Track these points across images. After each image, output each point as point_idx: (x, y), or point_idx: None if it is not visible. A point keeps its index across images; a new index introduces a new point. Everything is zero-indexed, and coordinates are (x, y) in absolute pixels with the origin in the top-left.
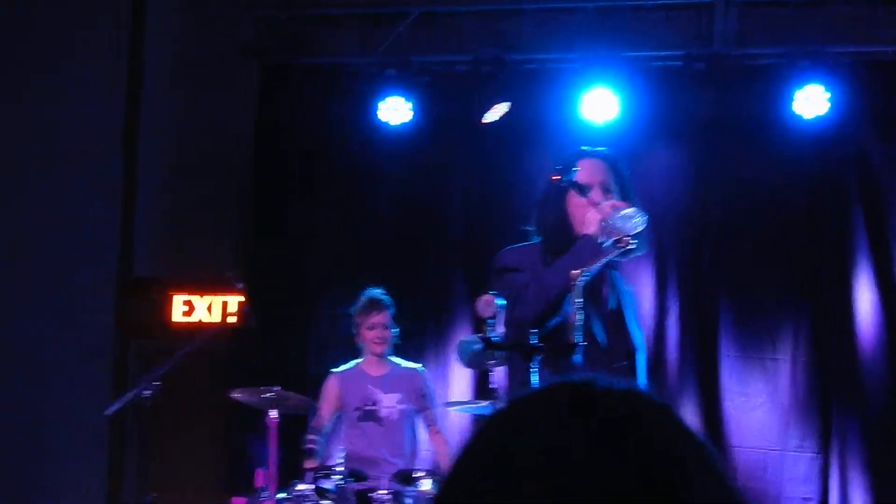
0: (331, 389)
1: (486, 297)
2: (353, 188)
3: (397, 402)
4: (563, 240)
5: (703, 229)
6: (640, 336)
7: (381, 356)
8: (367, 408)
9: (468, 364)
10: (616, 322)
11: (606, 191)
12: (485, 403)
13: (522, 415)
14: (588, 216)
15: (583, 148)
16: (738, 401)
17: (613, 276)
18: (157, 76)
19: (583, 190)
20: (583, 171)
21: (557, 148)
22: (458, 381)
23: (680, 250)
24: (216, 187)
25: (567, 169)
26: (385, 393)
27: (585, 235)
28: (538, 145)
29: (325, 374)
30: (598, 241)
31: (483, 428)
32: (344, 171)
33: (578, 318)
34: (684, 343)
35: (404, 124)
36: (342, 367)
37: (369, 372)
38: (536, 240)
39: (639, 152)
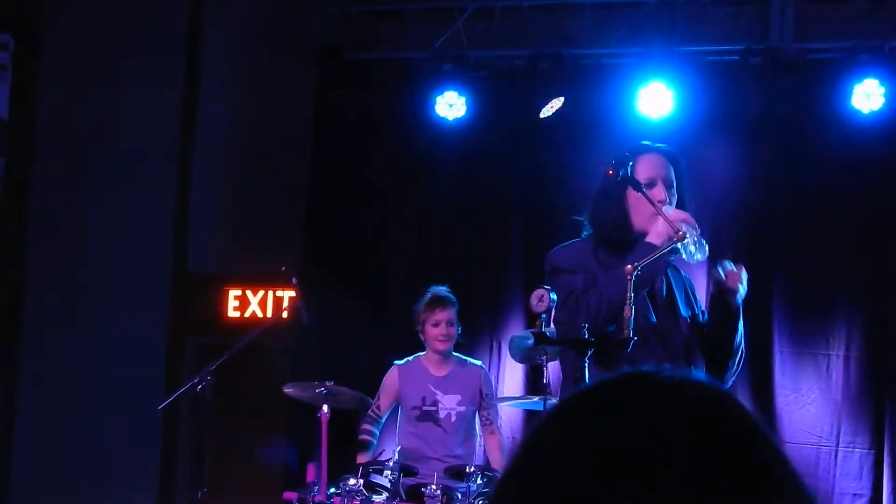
0: (391, 382)
1: (538, 292)
2: (410, 184)
3: (457, 404)
4: (620, 235)
5: (759, 225)
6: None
7: (444, 354)
8: (427, 408)
9: (521, 359)
10: (668, 306)
11: (668, 187)
12: (536, 399)
13: (600, 407)
14: (658, 227)
15: (644, 143)
16: (790, 396)
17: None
18: (216, 70)
19: (640, 186)
20: (645, 166)
21: (614, 143)
22: (511, 376)
23: (735, 245)
24: (273, 183)
25: (623, 163)
26: (445, 394)
27: (649, 243)
28: (594, 140)
29: (379, 368)
30: (661, 250)
31: (549, 422)
32: (400, 166)
33: (631, 312)
34: None
35: (459, 119)
36: (404, 360)
37: (431, 370)
38: (586, 234)
39: (694, 147)
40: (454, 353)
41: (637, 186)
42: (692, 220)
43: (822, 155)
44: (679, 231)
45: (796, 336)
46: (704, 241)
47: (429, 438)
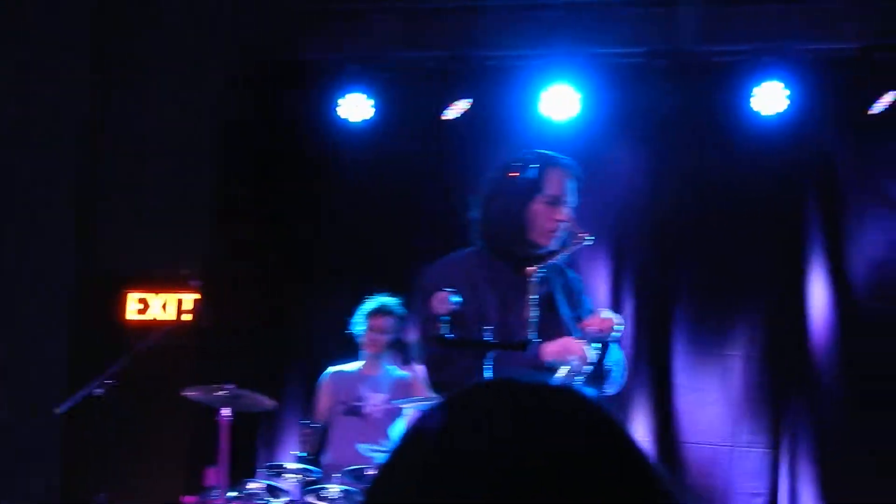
0: (325, 386)
1: (440, 295)
2: (313, 186)
3: (383, 402)
4: (513, 242)
5: (660, 226)
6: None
7: (376, 358)
8: (353, 403)
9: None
10: (547, 308)
11: (570, 208)
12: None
13: (453, 415)
14: (557, 348)
15: (550, 153)
16: (689, 396)
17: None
18: (121, 68)
19: (550, 199)
20: (554, 182)
21: (517, 144)
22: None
23: (636, 247)
24: (176, 184)
25: (525, 167)
26: (372, 392)
27: (539, 357)
28: (501, 142)
29: (281, 372)
30: (547, 365)
31: (417, 428)
32: (304, 168)
33: (532, 315)
34: (638, 339)
35: (365, 121)
36: (339, 366)
37: (362, 371)
38: (469, 249)
39: (599, 149)
40: (388, 363)
41: (549, 185)
42: (585, 358)
43: (726, 157)
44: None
45: (696, 336)
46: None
47: (352, 432)
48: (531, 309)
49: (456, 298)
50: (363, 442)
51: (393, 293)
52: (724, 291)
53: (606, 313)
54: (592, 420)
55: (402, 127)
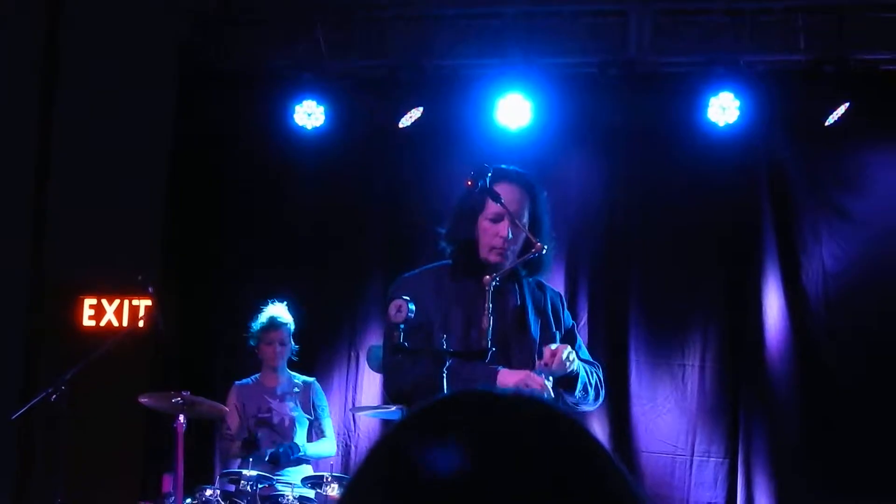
0: (232, 400)
1: (396, 302)
2: (268, 193)
3: (290, 411)
4: (466, 260)
5: (615, 236)
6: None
7: (277, 369)
8: (262, 415)
9: (378, 369)
10: (518, 321)
11: (515, 221)
12: (394, 408)
13: (419, 429)
14: (514, 379)
15: (503, 167)
16: (646, 406)
17: (519, 274)
18: (74, 70)
19: (499, 197)
20: (503, 196)
21: (472, 154)
22: (370, 386)
23: (591, 257)
24: (131, 190)
25: (482, 175)
26: (279, 402)
27: (497, 382)
28: (453, 151)
29: (237, 378)
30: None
31: (383, 441)
32: (259, 175)
33: (489, 322)
34: (594, 349)
35: (318, 128)
36: (243, 380)
37: (266, 383)
38: (443, 262)
39: (553, 159)
40: (288, 370)
41: (496, 198)
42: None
43: (679, 167)
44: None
45: (652, 346)
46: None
47: (266, 442)
48: (487, 319)
49: (412, 307)
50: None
51: (295, 300)
52: (679, 301)
53: (555, 347)
54: (568, 441)
55: (355, 135)
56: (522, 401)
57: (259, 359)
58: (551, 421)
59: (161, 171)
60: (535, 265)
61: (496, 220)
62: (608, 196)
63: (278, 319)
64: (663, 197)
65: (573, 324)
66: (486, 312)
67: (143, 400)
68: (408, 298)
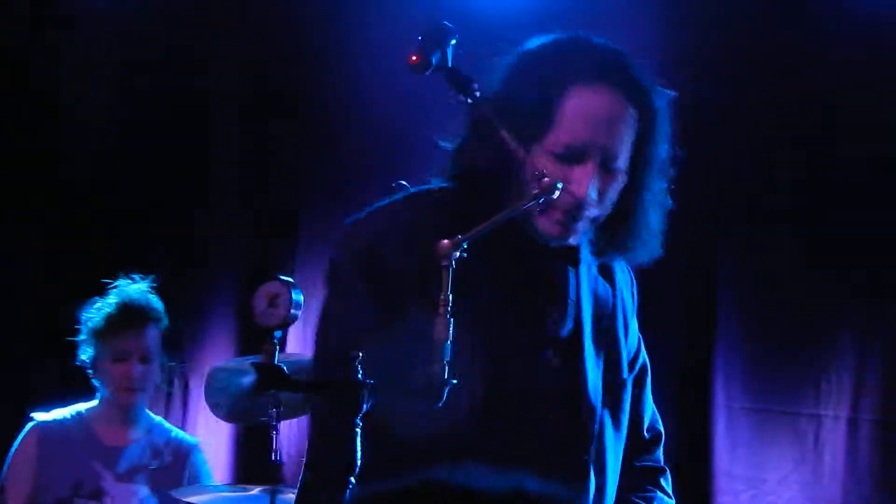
0: (26, 458)
1: (268, 288)
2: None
3: (139, 500)
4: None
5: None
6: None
7: (130, 409)
8: (81, 500)
9: (227, 414)
10: (569, 361)
11: (608, 163)
12: (256, 491)
13: None
14: None
15: (581, 35)
16: (742, 488)
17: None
18: None
19: (469, 88)
20: (575, 115)
21: None
22: (216, 445)
23: None
24: None
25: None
26: (120, 481)
27: None
28: None
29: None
30: None
31: None
32: None
33: (447, 334)
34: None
35: None
36: (53, 416)
37: (102, 436)
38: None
39: None
40: (148, 412)
41: (465, 89)
42: None
43: None
44: None
45: (756, 384)
46: None
47: None
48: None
49: (300, 298)
50: None
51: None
52: (809, 310)
53: None
54: None
55: None
56: None
57: (95, 385)
58: None
59: None
60: (621, 240)
61: (573, 158)
62: None
63: (144, 307)
64: None
65: (641, 342)
66: (445, 305)
67: None
68: (289, 281)
